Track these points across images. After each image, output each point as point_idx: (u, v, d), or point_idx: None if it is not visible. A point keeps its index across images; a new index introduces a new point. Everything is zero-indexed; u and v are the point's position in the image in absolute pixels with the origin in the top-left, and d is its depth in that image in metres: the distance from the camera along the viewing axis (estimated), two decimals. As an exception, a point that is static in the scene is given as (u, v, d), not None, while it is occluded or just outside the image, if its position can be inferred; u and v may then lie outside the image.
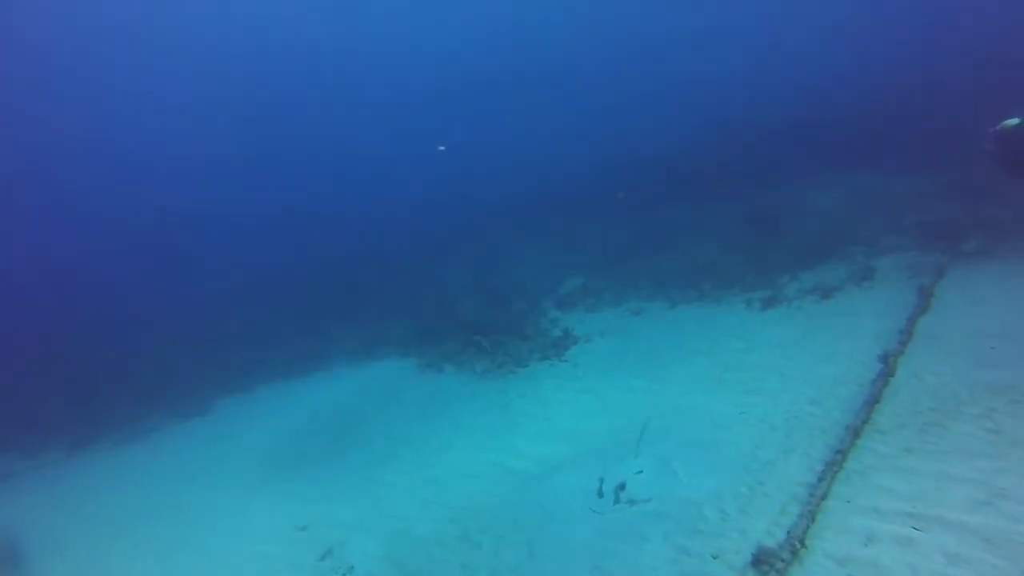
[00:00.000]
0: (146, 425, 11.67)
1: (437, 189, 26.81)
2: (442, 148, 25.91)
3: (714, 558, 3.92)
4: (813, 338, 6.92)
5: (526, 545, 4.91)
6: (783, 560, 3.52)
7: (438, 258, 18.12)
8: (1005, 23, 17.71)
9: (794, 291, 8.53)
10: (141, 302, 22.76)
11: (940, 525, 3.69)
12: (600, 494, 5.23)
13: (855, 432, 4.52)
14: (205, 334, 18.09)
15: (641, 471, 5.28)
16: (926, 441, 4.51)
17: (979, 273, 7.41)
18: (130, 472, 9.33)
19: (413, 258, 18.97)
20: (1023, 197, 8.96)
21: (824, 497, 3.96)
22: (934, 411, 4.85)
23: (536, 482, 5.84)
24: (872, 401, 4.88)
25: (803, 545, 3.66)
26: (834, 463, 4.21)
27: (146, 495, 8.21)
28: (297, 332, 15.33)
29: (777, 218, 11.90)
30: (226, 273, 24.74)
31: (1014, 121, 7.26)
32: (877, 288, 7.85)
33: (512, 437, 6.94)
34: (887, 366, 5.32)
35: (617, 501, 5.03)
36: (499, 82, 37.74)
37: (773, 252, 10.23)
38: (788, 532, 3.76)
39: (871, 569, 3.48)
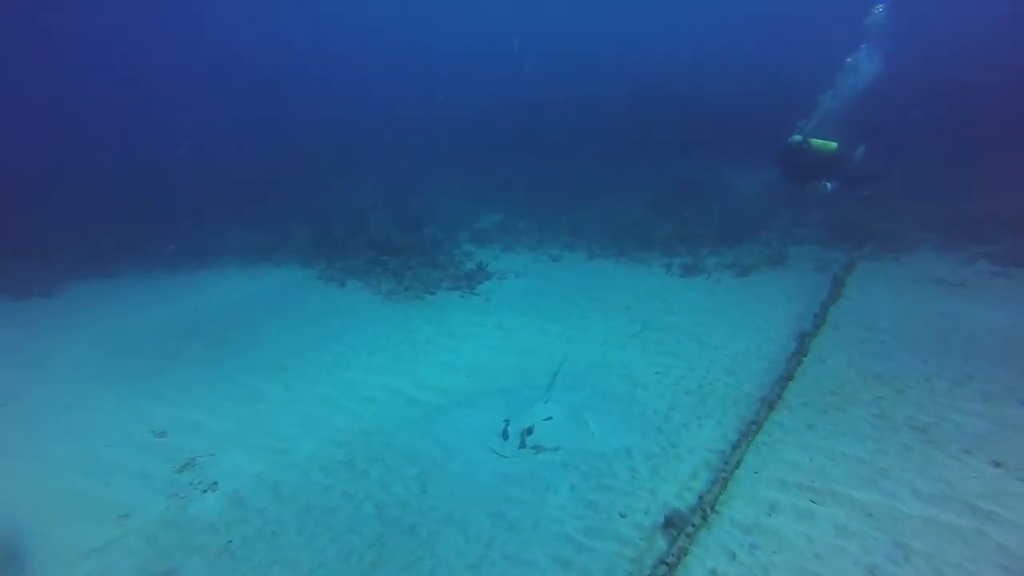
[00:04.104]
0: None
1: (368, 109, 24.94)
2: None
3: (622, 516, 3.77)
4: (730, 311, 7.03)
5: (418, 480, 4.54)
6: (694, 525, 3.43)
7: (357, 176, 16.80)
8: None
9: (714, 264, 8.66)
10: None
11: (833, 499, 3.80)
12: (505, 436, 4.92)
13: (770, 406, 4.55)
14: (67, 212, 15.61)
15: (550, 418, 5.03)
16: (826, 420, 4.66)
17: (874, 274, 7.87)
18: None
19: (331, 172, 17.46)
20: (905, 212, 9.73)
21: (737, 466, 3.92)
22: (834, 394, 5.04)
23: (437, 415, 5.45)
24: (787, 378, 4.95)
25: (714, 511, 3.60)
26: (749, 434, 4.20)
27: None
28: (187, 226, 13.63)
29: (703, 192, 12.07)
30: (114, 152, 21.62)
31: (797, 138, 8.02)
32: (788, 273, 8.14)
33: (415, 364, 6.47)
34: (802, 347, 5.44)
35: (523, 446, 4.76)
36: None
37: (696, 224, 10.35)
38: (700, 497, 3.68)
39: (773, 538, 3.49)
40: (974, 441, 4.23)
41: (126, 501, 4.50)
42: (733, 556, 3.36)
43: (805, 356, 5.34)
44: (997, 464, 3.97)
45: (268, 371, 6.61)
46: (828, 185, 8.13)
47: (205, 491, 4.65)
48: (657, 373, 5.68)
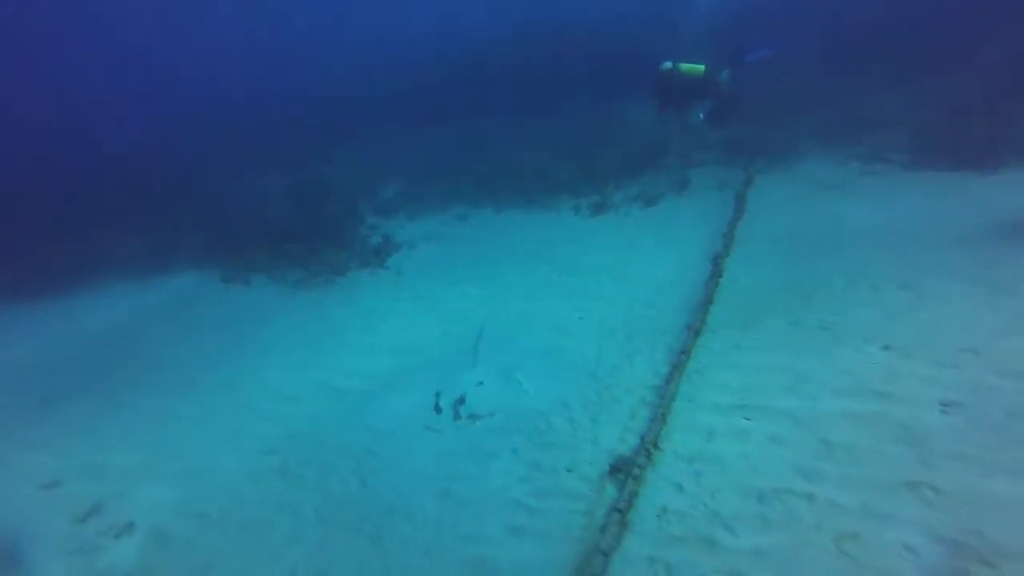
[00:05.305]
0: None
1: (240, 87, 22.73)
2: None
3: (568, 471, 3.73)
4: (643, 243, 7.10)
5: (356, 473, 4.30)
6: (639, 466, 3.44)
7: (242, 161, 15.43)
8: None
9: (621, 198, 8.71)
10: None
11: (764, 413, 3.93)
12: (437, 410, 4.76)
13: (696, 332, 4.63)
14: None
15: (481, 382, 4.91)
16: (748, 337, 4.80)
17: (770, 186, 8.19)
18: None
19: (213, 161, 15.90)
20: (788, 123, 10.20)
21: (673, 398, 3.97)
22: (750, 309, 5.20)
23: (365, 401, 5.18)
24: (707, 302, 5.05)
25: (656, 448, 3.62)
26: (679, 364, 4.25)
27: None
28: (52, 241, 12.06)
29: (602, 128, 12.05)
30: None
31: (667, 65, 8.34)
32: (693, 197, 8.33)
33: (335, 353, 6.11)
34: (717, 268, 5.56)
35: (457, 417, 4.62)
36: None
37: (598, 161, 10.33)
38: (642, 437, 3.70)
39: (714, 463, 3.57)
40: (870, 330, 4.49)
41: (19, 571, 3.97)
42: (680, 488, 3.41)
43: (720, 277, 5.47)
44: (887, 348, 4.24)
45: (176, 390, 6.03)
46: (700, 115, 8.40)
47: (119, 536, 4.18)
48: (581, 318, 5.66)
